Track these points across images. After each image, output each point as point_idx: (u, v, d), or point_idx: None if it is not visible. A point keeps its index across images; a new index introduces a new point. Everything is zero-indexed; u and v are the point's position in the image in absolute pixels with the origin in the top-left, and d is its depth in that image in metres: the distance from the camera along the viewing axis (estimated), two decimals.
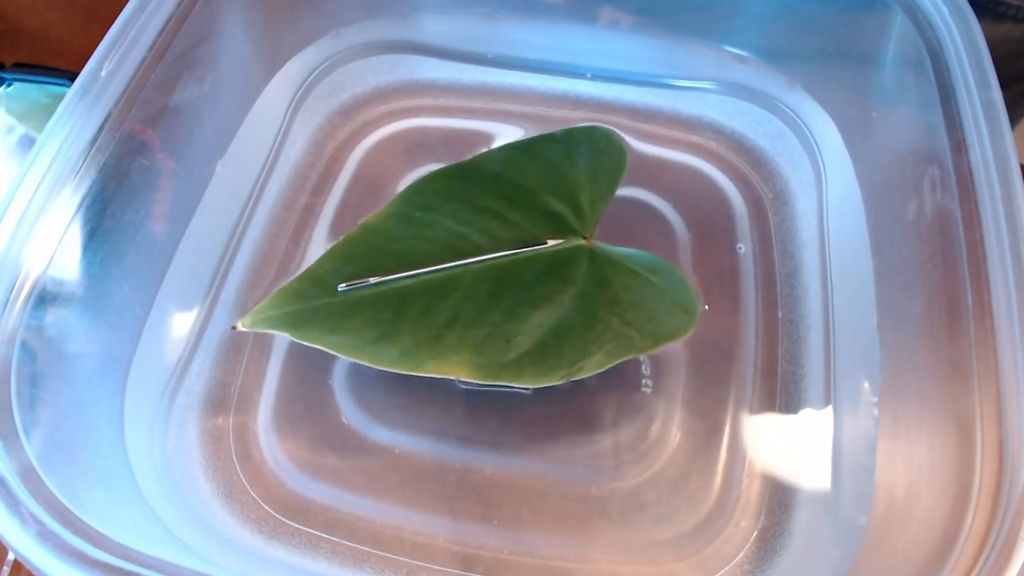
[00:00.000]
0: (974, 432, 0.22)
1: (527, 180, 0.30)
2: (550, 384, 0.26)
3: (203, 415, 0.30)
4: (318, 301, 0.27)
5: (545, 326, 0.27)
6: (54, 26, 0.43)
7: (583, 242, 0.29)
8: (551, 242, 0.29)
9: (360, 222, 0.28)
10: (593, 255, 0.29)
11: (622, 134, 0.38)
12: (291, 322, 0.26)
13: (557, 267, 0.29)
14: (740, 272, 0.34)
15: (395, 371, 0.26)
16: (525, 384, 0.26)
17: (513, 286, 0.28)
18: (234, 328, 0.26)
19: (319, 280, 0.27)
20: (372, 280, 0.27)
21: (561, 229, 0.29)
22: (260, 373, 0.31)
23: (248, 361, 0.31)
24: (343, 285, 0.27)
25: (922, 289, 0.26)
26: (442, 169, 0.30)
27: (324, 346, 0.26)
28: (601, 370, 0.26)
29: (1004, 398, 0.22)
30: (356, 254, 0.28)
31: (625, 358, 0.27)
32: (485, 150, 0.31)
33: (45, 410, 0.24)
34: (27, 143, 0.37)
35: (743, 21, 0.37)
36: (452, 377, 0.26)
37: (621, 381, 0.31)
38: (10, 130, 0.37)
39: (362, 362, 0.26)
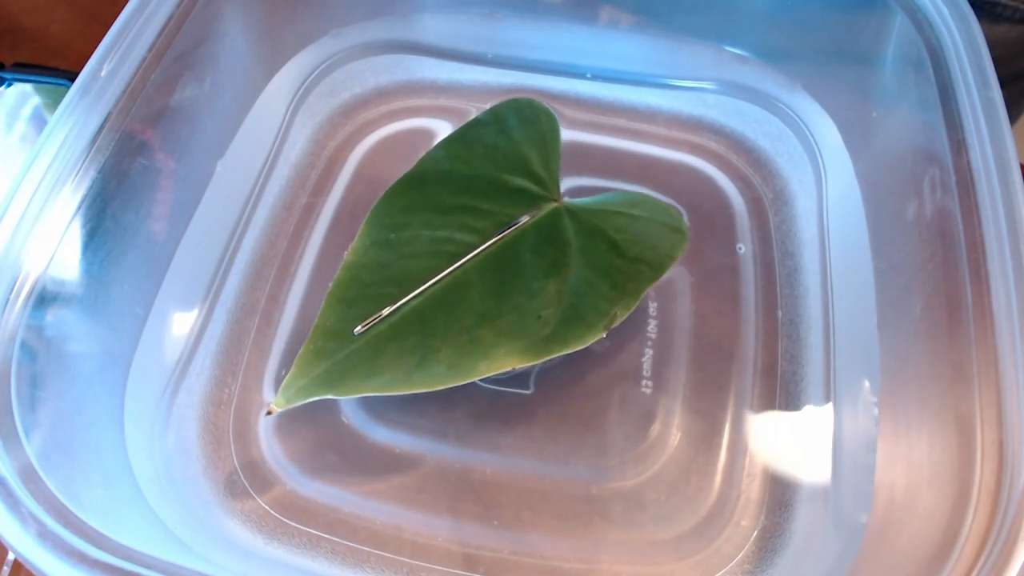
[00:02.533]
0: (974, 432, 0.22)
1: (476, 168, 0.30)
2: (597, 339, 0.27)
3: (203, 415, 0.30)
4: (341, 353, 0.26)
5: (565, 291, 0.28)
6: (54, 26, 0.43)
7: (555, 204, 0.30)
8: (526, 216, 0.30)
9: (342, 263, 0.28)
10: (571, 212, 0.30)
11: (623, 135, 0.38)
12: (325, 383, 0.26)
13: (546, 235, 0.29)
14: (740, 272, 0.34)
15: (453, 386, 0.26)
16: (575, 348, 0.27)
17: (516, 267, 0.28)
18: (269, 413, 0.25)
19: (331, 333, 0.26)
20: (385, 312, 0.27)
21: (530, 199, 0.30)
22: (260, 373, 0.31)
23: (248, 361, 0.31)
24: (359, 328, 0.26)
25: (922, 289, 0.26)
26: (393, 186, 0.30)
27: (370, 392, 0.25)
28: (632, 309, 0.27)
29: (1004, 398, 0.22)
30: (353, 295, 0.27)
31: (647, 289, 0.28)
32: (423, 154, 0.31)
33: (45, 410, 0.24)
34: (38, 125, 0.37)
35: (743, 21, 0.37)
36: (507, 370, 0.26)
37: (621, 381, 0.31)
38: (11, 125, 0.37)
39: (416, 391, 0.25)
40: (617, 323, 0.27)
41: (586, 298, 0.28)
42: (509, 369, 0.26)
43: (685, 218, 0.33)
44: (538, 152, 0.31)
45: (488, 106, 0.38)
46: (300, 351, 0.26)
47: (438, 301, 0.27)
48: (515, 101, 0.32)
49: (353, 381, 0.26)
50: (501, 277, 0.28)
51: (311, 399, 0.25)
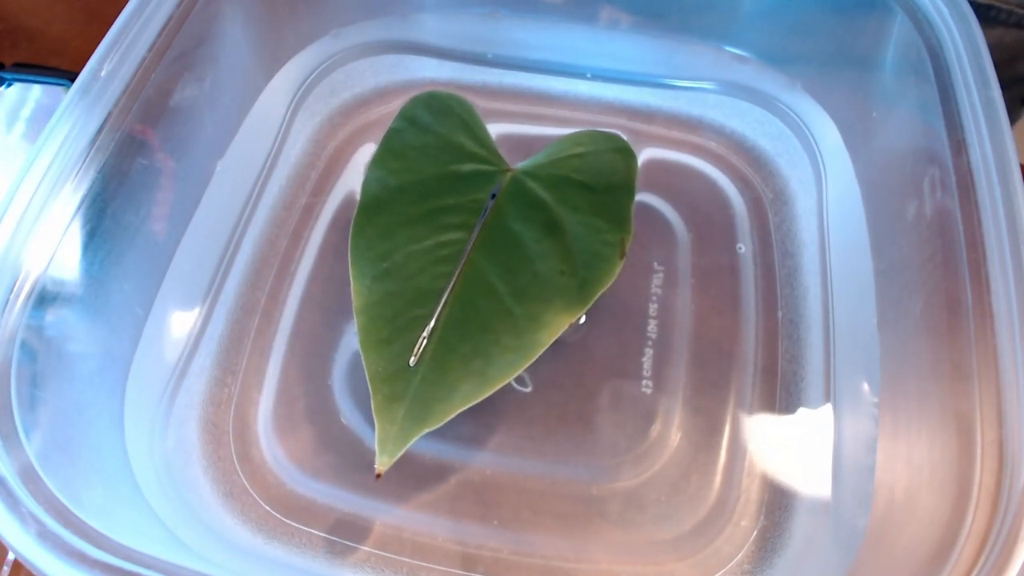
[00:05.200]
0: (974, 432, 0.22)
1: (422, 171, 0.31)
2: (620, 268, 0.28)
3: (203, 415, 0.30)
4: (411, 388, 0.26)
5: (568, 242, 0.29)
6: (54, 26, 0.43)
7: (510, 173, 0.31)
8: (493, 194, 0.30)
9: (355, 309, 0.27)
10: (528, 174, 0.31)
11: (626, 137, 0.38)
12: (414, 421, 0.25)
13: (521, 202, 0.30)
14: (740, 272, 0.34)
15: (531, 362, 0.26)
16: (608, 284, 0.28)
17: (514, 240, 0.29)
18: (378, 476, 0.24)
19: (389, 376, 0.26)
20: (426, 333, 0.27)
21: (486, 178, 0.31)
22: (260, 373, 0.31)
23: (248, 361, 0.31)
24: (412, 359, 0.26)
25: (922, 289, 0.26)
26: (356, 221, 0.29)
27: (462, 406, 0.25)
28: (633, 231, 0.29)
29: (1004, 398, 0.22)
30: (386, 333, 0.27)
31: (632, 210, 0.30)
32: (362, 182, 0.30)
33: (45, 410, 0.24)
34: (38, 125, 0.37)
35: (743, 21, 0.37)
36: (568, 327, 0.27)
37: (621, 381, 0.31)
38: (11, 125, 0.37)
39: (501, 384, 0.26)
40: (628, 246, 0.29)
41: (591, 239, 0.29)
42: (567, 328, 0.27)
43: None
44: (466, 135, 0.32)
45: (488, 106, 0.38)
46: (373, 406, 0.26)
47: (465, 300, 0.28)
48: (417, 99, 0.33)
49: (439, 406, 0.25)
50: (507, 254, 0.29)
51: (412, 441, 0.25)
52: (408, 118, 0.32)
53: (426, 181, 0.30)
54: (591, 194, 0.30)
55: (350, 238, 0.29)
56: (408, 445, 0.25)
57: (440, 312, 0.27)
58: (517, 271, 0.28)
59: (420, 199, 0.30)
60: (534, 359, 0.26)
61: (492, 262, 0.29)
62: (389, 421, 0.25)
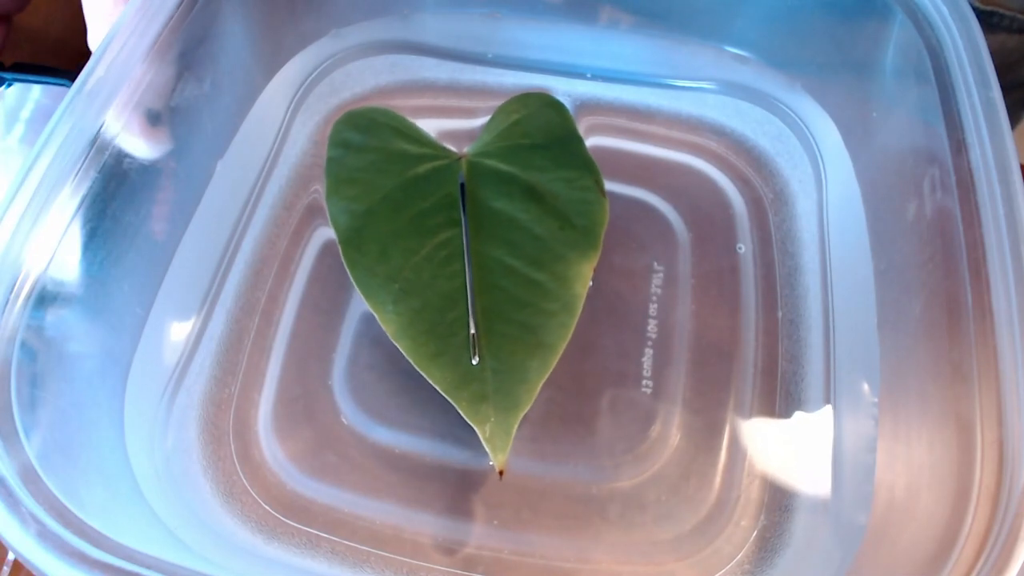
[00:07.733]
0: (974, 432, 0.22)
1: (382, 187, 0.30)
2: (608, 206, 0.30)
3: (203, 415, 0.30)
4: (487, 385, 0.26)
5: (553, 200, 0.30)
6: (54, 26, 0.43)
7: (464, 158, 0.32)
8: (459, 184, 0.31)
9: (390, 336, 0.27)
10: (482, 154, 0.32)
11: (626, 137, 0.38)
12: (507, 412, 0.26)
13: (490, 181, 0.31)
14: (740, 272, 0.34)
15: (579, 316, 0.27)
16: (606, 221, 0.29)
17: (503, 218, 0.30)
18: (501, 474, 0.25)
19: (459, 382, 0.26)
20: (472, 331, 0.27)
21: (445, 171, 0.31)
22: (260, 373, 0.31)
23: (248, 361, 0.31)
24: (473, 359, 0.27)
25: (922, 289, 0.26)
26: (345, 254, 0.29)
27: (541, 379, 0.26)
28: (598, 168, 0.31)
29: (1004, 398, 0.22)
30: (433, 348, 0.27)
31: (588, 152, 0.32)
32: (329, 219, 0.30)
33: (45, 410, 0.24)
34: (38, 125, 0.37)
35: (743, 21, 0.37)
36: (591, 283, 0.28)
37: (621, 381, 0.31)
38: (11, 125, 0.37)
39: (566, 344, 0.27)
40: (603, 184, 0.30)
41: (570, 190, 0.30)
42: (593, 275, 0.28)
43: (567, 106, 0.35)
44: (403, 140, 0.32)
45: (488, 106, 0.38)
46: (462, 413, 0.26)
47: (489, 287, 0.28)
48: (339, 123, 0.33)
49: (521, 388, 0.26)
50: (503, 232, 0.29)
51: (515, 428, 0.25)
52: (340, 144, 0.32)
53: (390, 195, 0.30)
54: (547, 151, 0.31)
55: (349, 274, 0.28)
56: (513, 434, 0.25)
57: (472, 307, 0.27)
58: (521, 243, 0.29)
59: (394, 214, 0.30)
60: (580, 312, 0.27)
61: (494, 244, 0.29)
62: (483, 421, 0.26)
